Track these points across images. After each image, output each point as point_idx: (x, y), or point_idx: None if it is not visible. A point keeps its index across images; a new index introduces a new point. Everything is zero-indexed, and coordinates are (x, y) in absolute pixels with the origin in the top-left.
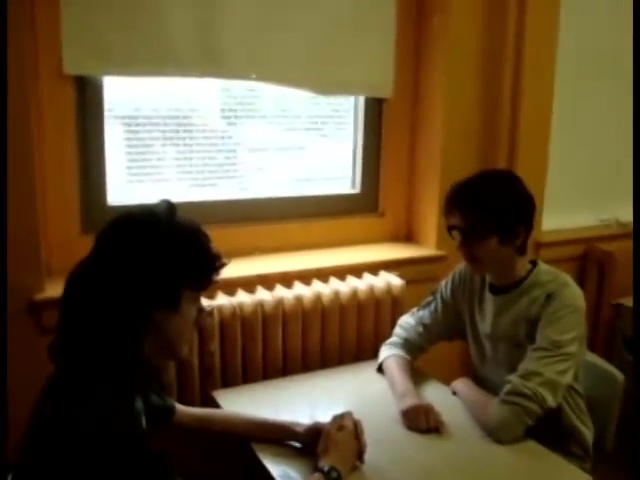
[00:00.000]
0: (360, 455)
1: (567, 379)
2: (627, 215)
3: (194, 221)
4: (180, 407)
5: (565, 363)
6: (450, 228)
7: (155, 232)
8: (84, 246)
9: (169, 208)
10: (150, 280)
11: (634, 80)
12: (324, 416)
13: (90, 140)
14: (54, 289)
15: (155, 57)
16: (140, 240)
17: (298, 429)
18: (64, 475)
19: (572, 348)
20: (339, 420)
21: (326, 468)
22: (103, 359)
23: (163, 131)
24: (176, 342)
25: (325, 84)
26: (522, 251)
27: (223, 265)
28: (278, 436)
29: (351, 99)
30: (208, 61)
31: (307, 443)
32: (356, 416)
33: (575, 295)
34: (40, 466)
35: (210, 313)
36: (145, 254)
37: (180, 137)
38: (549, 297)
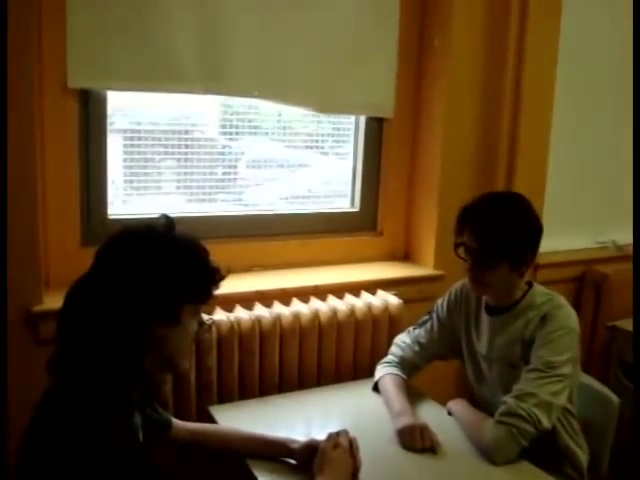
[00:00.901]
0: (355, 473)
1: (562, 400)
2: (624, 238)
3: (192, 235)
4: (176, 422)
5: (559, 384)
6: (458, 245)
7: (154, 247)
8: (84, 259)
9: (168, 223)
10: (150, 295)
11: (634, 88)
12: (320, 433)
13: (92, 153)
14: (52, 301)
15: (159, 73)
16: (139, 255)
17: (293, 446)
18: None
19: (566, 369)
20: (335, 438)
21: None
22: (102, 374)
23: (164, 145)
24: (177, 356)
25: (326, 103)
26: (522, 274)
27: (222, 278)
28: (273, 452)
29: (352, 118)
30: (211, 78)
31: (302, 460)
32: (352, 434)
33: (569, 317)
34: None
35: (210, 327)
36: (144, 269)
37: (180, 151)
38: (544, 319)
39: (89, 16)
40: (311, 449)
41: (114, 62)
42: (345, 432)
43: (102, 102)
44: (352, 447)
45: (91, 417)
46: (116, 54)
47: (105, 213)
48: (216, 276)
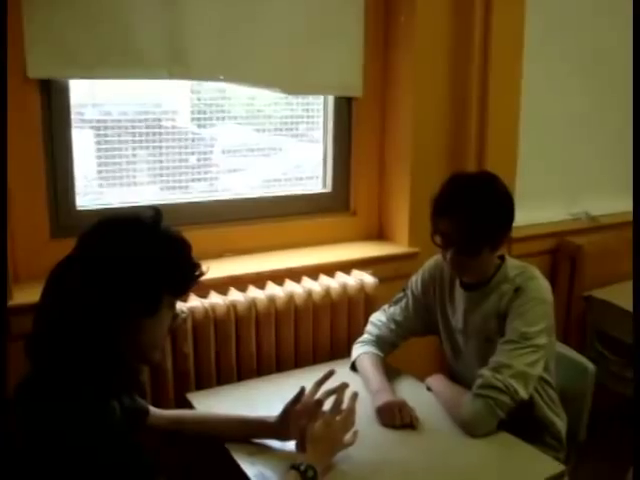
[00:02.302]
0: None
1: (537, 370)
2: (597, 208)
3: (177, 229)
4: (153, 409)
5: (535, 355)
6: (436, 232)
7: (141, 236)
8: (53, 251)
9: (155, 214)
10: (133, 283)
11: (634, 80)
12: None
13: (57, 144)
14: (22, 296)
15: (120, 59)
16: (125, 243)
17: (270, 420)
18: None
19: (541, 340)
20: (327, 417)
21: (302, 467)
22: (82, 359)
23: (133, 134)
24: (150, 347)
25: (294, 84)
26: (498, 252)
27: (202, 274)
28: (252, 432)
29: (321, 98)
30: (175, 62)
31: (280, 431)
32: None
33: (541, 288)
34: (21, 469)
35: (185, 319)
36: (129, 257)
37: (150, 140)
38: (517, 291)
39: (47, 2)
40: (286, 415)
41: (74, 50)
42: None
43: (65, 92)
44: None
45: (72, 402)
46: (76, 42)
47: (73, 204)
48: (196, 271)
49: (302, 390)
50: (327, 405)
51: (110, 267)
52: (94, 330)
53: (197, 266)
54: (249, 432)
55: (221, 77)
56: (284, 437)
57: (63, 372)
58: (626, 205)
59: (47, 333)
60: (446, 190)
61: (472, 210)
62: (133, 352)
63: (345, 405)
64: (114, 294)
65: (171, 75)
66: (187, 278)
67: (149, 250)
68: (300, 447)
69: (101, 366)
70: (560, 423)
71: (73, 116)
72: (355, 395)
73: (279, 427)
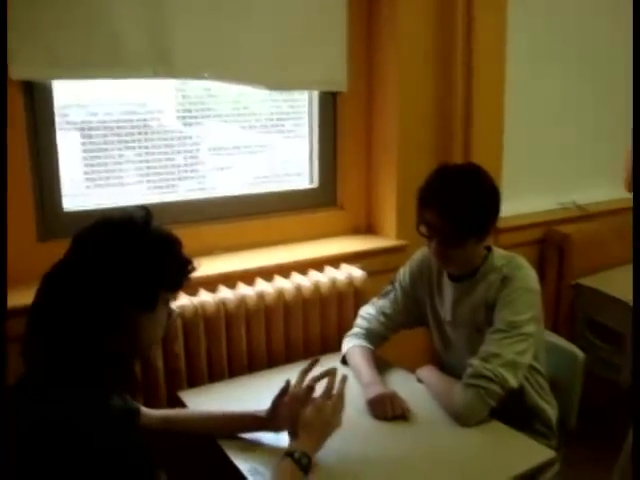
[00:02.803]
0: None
1: (527, 359)
2: (584, 197)
3: (167, 227)
4: (143, 409)
5: (523, 343)
6: (422, 222)
7: (134, 235)
8: (41, 254)
9: (146, 214)
10: (129, 281)
11: (634, 79)
12: None
13: (42, 146)
14: (13, 299)
15: (104, 59)
16: (118, 243)
17: (258, 413)
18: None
19: (529, 328)
20: (318, 402)
21: (297, 454)
22: (81, 359)
23: (119, 134)
24: (148, 343)
25: (278, 80)
26: (484, 243)
27: (194, 268)
28: (240, 426)
29: (306, 94)
30: (159, 61)
31: (271, 423)
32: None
33: (528, 277)
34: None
35: (179, 315)
36: (125, 255)
37: (136, 140)
38: (504, 280)
39: (28, 3)
40: (275, 407)
41: (57, 51)
42: (330, 389)
43: (48, 93)
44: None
45: (73, 401)
46: (59, 42)
47: (60, 207)
48: (189, 266)
49: (288, 382)
50: (317, 391)
51: (105, 267)
52: (92, 330)
53: (189, 261)
54: (239, 427)
55: (205, 75)
56: (275, 429)
57: (62, 372)
58: (612, 194)
59: (44, 334)
60: (432, 181)
61: (457, 201)
62: (132, 349)
63: (335, 389)
64: (111, 294)
65: (156, 74)
66: (180, 273)
67: (142, 248)
68: (293, 434)
69: (100, 365)
70: (551, 410)
71: (58, 118)
72: (345, 378)
73: (269, 419)
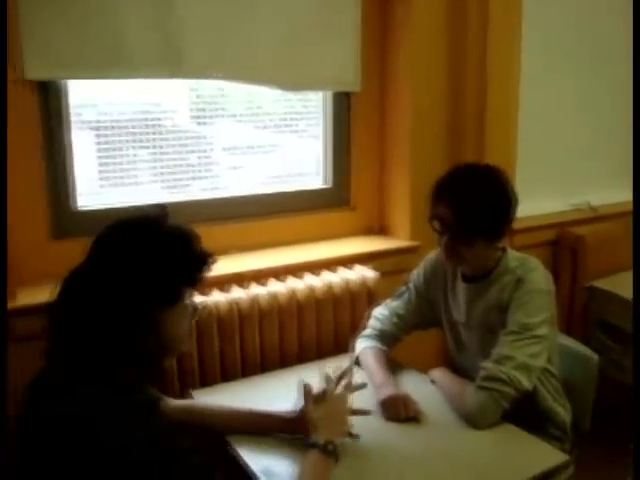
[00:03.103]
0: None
1: (540, 361)
2: (598, 199)
3: (184, 223)
4: (165, 399)
5: (537, 346)
6: (434, 217)
7: (151, 232)
8: (55, 252)
9: (162, 211)
10: (152, 278)
11: (634, 77)
12: None
13: (56, 145)
14: (26, 297)
15: (118, 60)
16: (138, 240)
17: (285, 415)
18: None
19: (543, 330)
20: (311, 394)
21: (321, 442)
22: (104, 357)
23: (133, 134)
24: (175, 339)
25: (292, 80)
26: (497, 247)
27: (215, 261)
28: (266, 425)
29: (319, 94)
30: (171, 61)
31: (297, 426)
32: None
33: (542, 278)
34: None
35: (205, 307)
36: (144, 252)
37: (150, 139)
38: (518, 282)
39: (43, 4)
40: (304, 412)
41: (71, 51)
42: (331, 381)
43: (63, 92)
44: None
45: (93, 401)
46: (73, 43)
47: (74, 205)
48: (209, 259)
49: (306, 385)
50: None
51: (125, 266)
52: (116, 329)
53: (208, 254)
54: (263, 426)
55: (219, 75)
56: (298, 432)
57: (85, 371)
58: (626, 195)
59: (67, 333)
60: (447, 176)
61: (469, 198)
62: (159, 346)
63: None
64: (132, 292)
65: (170, 74)
66: (200, 267)
67: (160, 245)
68: (310, 430)
69: (124, 363)
70: (564, 413)
71: (72, 117)
72: (351, 368)
73: (295, 422)
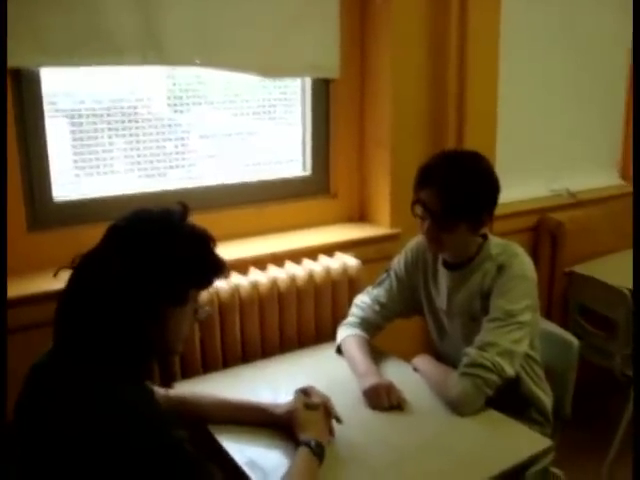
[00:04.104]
0: (331, 430)
1: (523, 347)
2: (578, 184)
3: (202, 226)
4: (157, 390)
5: (520, 332)
6: (417, 202)
7: (170, 230)
8: (32, 244)
9: (183, 211)
10: (164, 276)
11: (634, 76)
12: (287, 399)
13: (30, 135)
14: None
15: (93, 46)
16: (155, 236)
17: (276, 410)
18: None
19: (525, 317)
20: (304, 399)
21: (313, 442)
22: (113, 346)
23: (108, 122)
24: (176, 338)
25: (271, 67)
26: (479, 233)
27: (227, 271)
28: (255, 417)
29: (298, 81)
30: (148, 47)
31: (284, 421)
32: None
33: (524, 265)
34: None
35: (208, 311)
36: (159, 250)
37: (126, 127)
38: (500, 269)
39: None
40: (292, 410)
41: (45, 38)
42: (313, 390)
43: (36, 80)
44: (326, 407)
45: (118, 392)
46: (46, 29)
47: (50, 196)
48: (222, 266)
49: (309, 390)
50: None
51: (139, 260)
52: (126, 319)
53: (221, 261)
54: (252, 418)
55: (197, 61)
56: (284, 426)
57: (89, 356)
58: (605, 180)
59: (75, 320)
60: (433, 161)
61: (453, 182)
62: (160, 343)
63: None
64: (142, 287)
65: (145, 61)
66: (213, 272)
67: (177, 245)
68: (300, 429)
69: (132, 355)
70: (546, 398)
71: (46, 106)
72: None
73: (283, 418)
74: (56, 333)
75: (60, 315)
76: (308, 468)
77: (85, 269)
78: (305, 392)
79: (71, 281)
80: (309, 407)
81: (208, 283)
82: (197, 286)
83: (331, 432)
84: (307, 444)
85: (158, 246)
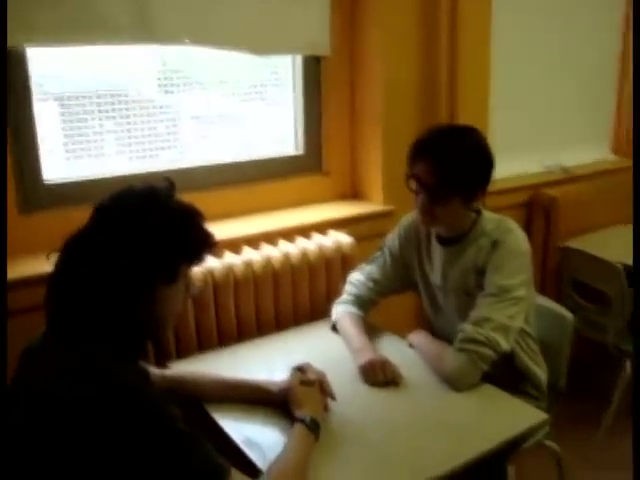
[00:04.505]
0: (325, 407)
1: (518, 322)
2: (570, 160)
3: (189, 201)
4: (153, 370)
5: (515, 307)
6: (411, 176)
7: (157, 206)
8: (23, 227)
9: (169, 185)
10: (153, 253)
11: (634, 85)
12: (283, 376)
13: (19, 117)
14: None
15: (81, 24)
16: (143, 213)
17: (272, 388)
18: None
19: (520, 292)
20: (299, 375)
21: (308, 419)
22: (101, 325)
23: (98, 104)
24: (168, 314)
25: (261, 44)
26: (472, 207)
27: (216, 244)
28: (252, 396)
29: (289, 60)
30: (138, 26)
31: (280, 399)
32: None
33: (519, 240)
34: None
35: (200, 287)
36: (147, 227)
37: (116, 109)
38: (494, 244)
39: None
40: (289, 389)
41: (31, 16)
42: (309, 366)
43: (22, 60)
44: (322, 382)
45: (90, 367)
46: (32, 7)
47: (40, 179)
48: (211, 240)
49: (305, 367)
50: None
51: (127, 238)
52: (116, 298)
53: (210, 235)
54: (249, 396)
55: (186, 40)
56: (280, 403)
57: (82, 337)
58: (598, 155)
59: (66, 301)
60: (428, 135)
61: (448, 154)
62: (151, 321)
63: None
64: (132, 265)
65: (134, 40)
66: (202, 246)
67: (165, 221)
68: (295, 405)
69: (125, 332)
70: (541, 373)
71: (34, 88)
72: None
73: (279, 396)
74: (48, 316)
75: (50, 298)
76: (304, 444)
77: (73, 250)
78: (301, 369)
79: (60, 263)
80: (305, 384)
81: (198, 258)
82: (187, 261)
83: (326, 408)
84: (303, 420)
85: (145, 223)
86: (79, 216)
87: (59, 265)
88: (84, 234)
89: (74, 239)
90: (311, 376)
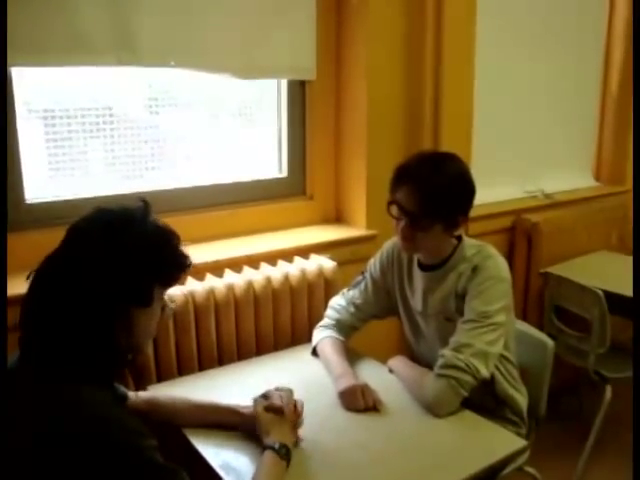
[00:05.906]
0: (295, 427)
1: (497, 348)
2: (552, 186)
3: (165, 222)
4: (130, 393)
5: (494, 333)
6: (392, 202)
7: (131, 228)
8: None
9: (144, 206)
10: (125, 275)
11: (634, 80)
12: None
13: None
14: None
15: (67, 45)
16: (116, 235)
17: (244, 410)
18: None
19: (500, 318)
20: (264, 402)
21: (277, 445)
22: (75, 352)
23: (83, 124)
24: (143, 338)
25: (246, 68)
26: (453, 234)
27: (191, 264)
28: (227, 419)
29: (274, 83)
30: (123, 48)
31: (252, 425)
32: (286, 389)
33: (499, 266)
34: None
35: (173, 310)
36: (121, 250)
37: (101, 129)
38: (474, 270)
39: None
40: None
41: (16, 36)
42: (272, 392)
43: (8, 80)
44: (290, 405)
45: (84, 398)
46: (18, 27)
47: (22, 199)
48: (186, 261)
49: (269, 393)
50: None
51: (101, 261)
52: (88, 322)
53: (186, 257)
54: (224, 420)
55: (172, 63)
56: (252, 429)
57: (56, 365)
58: (580, 182)
59: (39, 327)
60: (408, 162)
61: (430, 181)
62: (128, 343)
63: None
64: (106, 288)
65: (120, 62)
66: (176, 269)
67: (139, 243)
68: (264, 432)
69: (94, 359)
70: (521, 399)
71: (19, 106)
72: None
73: (251, 420)
74: (21, 337)
75: (24, 319)
76: (274, 471)
77: (47, 271)
78: (265, 396)
79: (33, 284)
80: (269, 410)
81: (172, 280)
82: (162, 284)
83: (298, 427)
84: (272, 447)
85: (117, 245)
86: (60, 237)
87: (33, 286)
88: (56, 255)
89: (46, 260)
90: (276, 401)
